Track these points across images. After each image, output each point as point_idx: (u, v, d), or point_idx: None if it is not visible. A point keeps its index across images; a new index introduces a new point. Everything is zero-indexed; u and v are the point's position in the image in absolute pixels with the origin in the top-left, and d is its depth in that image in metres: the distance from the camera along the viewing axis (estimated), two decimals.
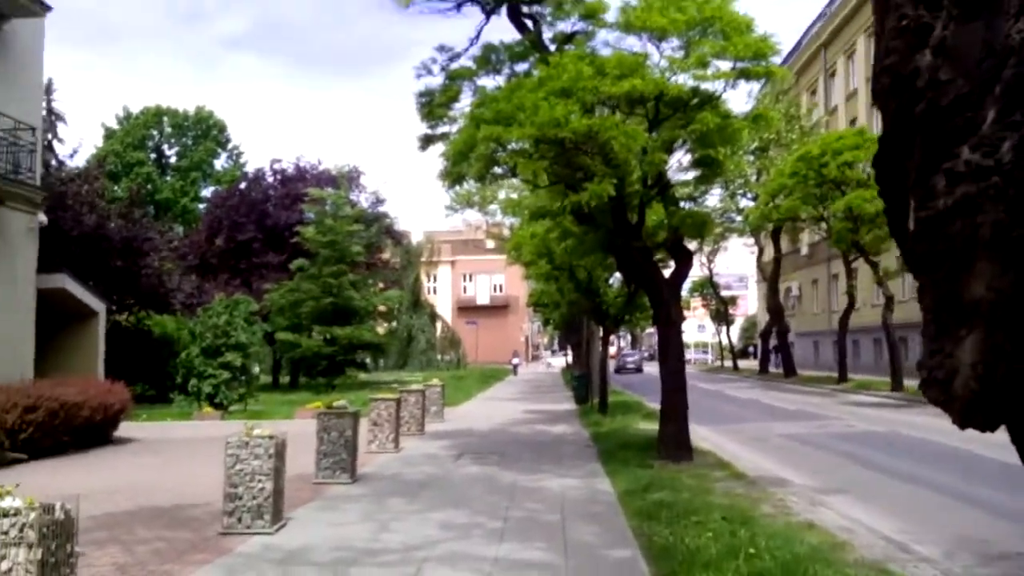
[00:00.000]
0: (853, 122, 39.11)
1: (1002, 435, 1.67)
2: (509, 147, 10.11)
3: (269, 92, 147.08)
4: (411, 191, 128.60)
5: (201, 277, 34.58)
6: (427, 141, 11.88)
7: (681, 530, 7.14)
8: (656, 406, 22.32)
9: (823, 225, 32.21)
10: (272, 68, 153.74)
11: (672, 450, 11.74)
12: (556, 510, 8.58)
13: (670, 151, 10.91)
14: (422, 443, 15.05)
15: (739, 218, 41.84)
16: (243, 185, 36.01)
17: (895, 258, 30.92)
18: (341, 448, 10.51)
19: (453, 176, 10.85)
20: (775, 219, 35.28)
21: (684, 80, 10.31)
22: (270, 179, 35.38)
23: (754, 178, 39.29)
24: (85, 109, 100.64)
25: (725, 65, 10.55)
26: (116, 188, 56.17)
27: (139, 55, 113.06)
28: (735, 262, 70.17)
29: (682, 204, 12.74)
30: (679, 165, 12.03)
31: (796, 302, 54.41)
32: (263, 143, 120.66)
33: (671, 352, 12.25)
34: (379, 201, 35.66)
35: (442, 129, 11.71)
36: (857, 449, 14.07)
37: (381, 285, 36.66)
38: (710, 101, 10.52)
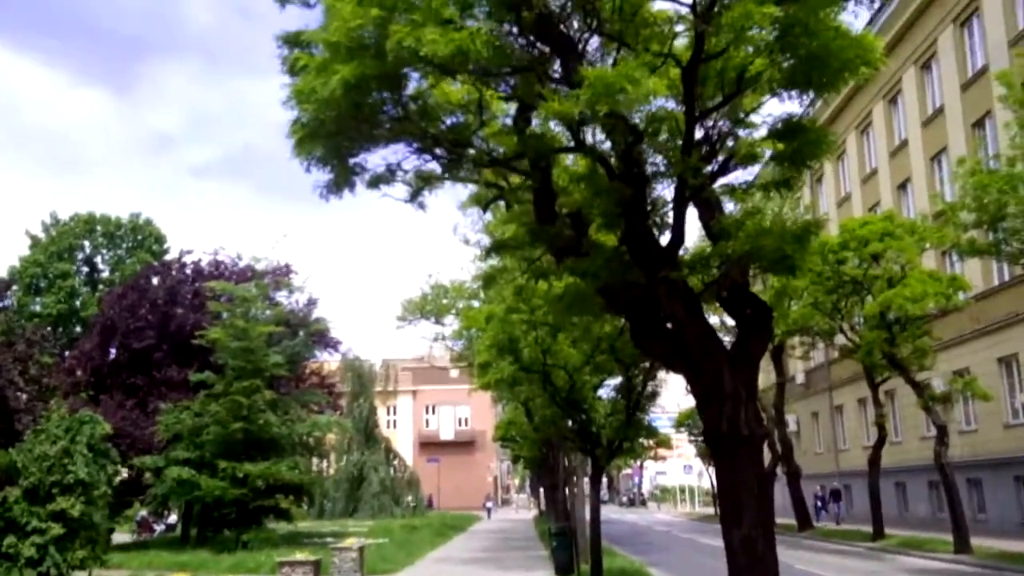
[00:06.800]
0: (872, 209, 33.08)
1: None
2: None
3: (224, 217, 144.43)
4: (370, 322, 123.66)
5: (93, 399, 28.10)
6: None
7: None
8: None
9: (840, 339, 26.76)
10: (236, 194, 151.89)
11: None
12: None
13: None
14: None
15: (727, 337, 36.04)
16: (142, 281, 29.56)
17: (934, 379, 25.41)
18: None
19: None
20: (782, 331, 29.56)
21: None
22: (175, 273, 29.11)
23: None
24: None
25: None
26: (36, 302, 50.27)
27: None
28: None
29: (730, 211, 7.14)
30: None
31: (794, 439, 48.23)
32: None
33: (745, 496, 6.27)
34: (311, 303, 29.46)
35: None
36: None
37: (315, 408, 29.96)
38: None
